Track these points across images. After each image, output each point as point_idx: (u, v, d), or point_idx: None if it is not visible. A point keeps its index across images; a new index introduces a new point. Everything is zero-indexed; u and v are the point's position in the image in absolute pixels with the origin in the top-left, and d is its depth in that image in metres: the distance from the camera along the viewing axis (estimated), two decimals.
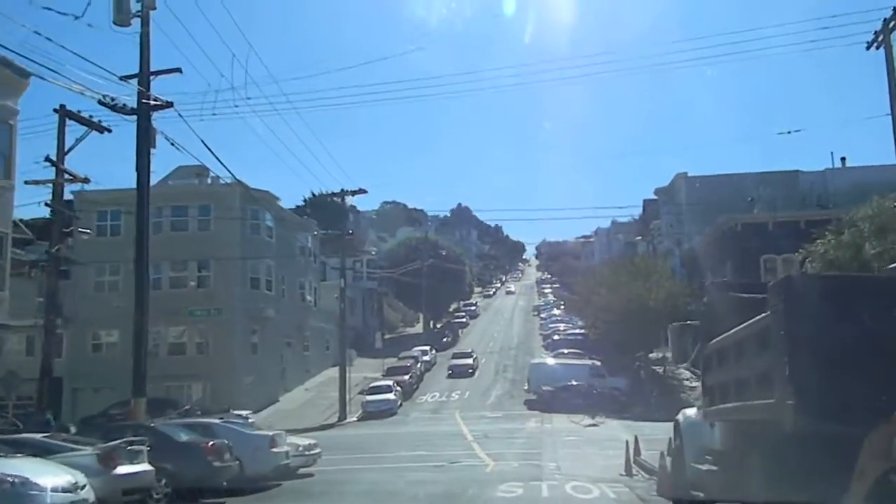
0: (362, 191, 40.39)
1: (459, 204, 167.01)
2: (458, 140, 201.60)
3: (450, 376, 49.16)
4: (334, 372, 49.17)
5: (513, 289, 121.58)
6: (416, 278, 69.36)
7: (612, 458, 21.21)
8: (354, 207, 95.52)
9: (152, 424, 15.66)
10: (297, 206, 70.35)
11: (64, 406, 39.22)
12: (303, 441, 18.94)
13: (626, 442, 18.26)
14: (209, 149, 24.22)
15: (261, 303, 42.04)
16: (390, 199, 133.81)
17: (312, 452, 18.50)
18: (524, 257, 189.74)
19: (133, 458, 11.87)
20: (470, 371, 50.08)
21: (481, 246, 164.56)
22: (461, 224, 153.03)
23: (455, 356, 54.18)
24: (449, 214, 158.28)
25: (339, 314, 41.65)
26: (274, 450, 16.34)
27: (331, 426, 36.67)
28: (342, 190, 40.28)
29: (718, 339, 8.77)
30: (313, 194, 71.71)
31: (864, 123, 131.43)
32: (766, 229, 38.23)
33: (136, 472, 11.71)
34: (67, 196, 26.91)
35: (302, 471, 18.46)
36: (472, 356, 53.09)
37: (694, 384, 44.57)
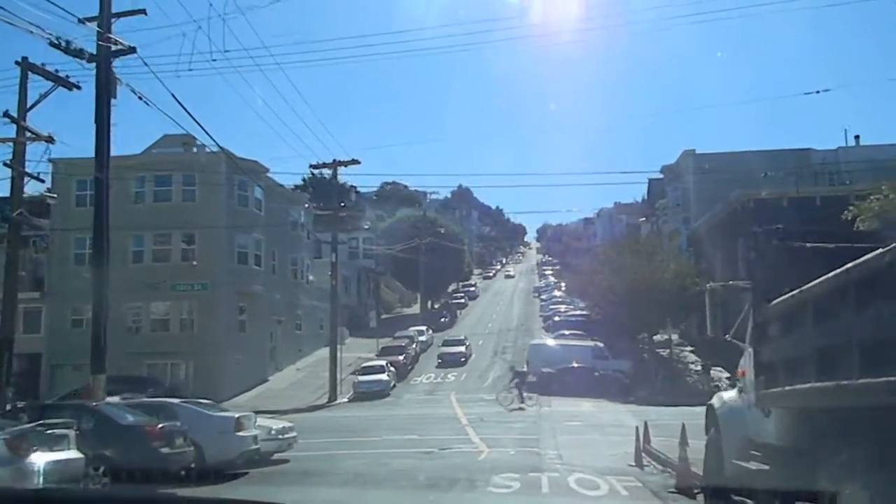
0: (355, 161, 38.39)
1: (460, 185, 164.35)
2: (459, 121, 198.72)
3: (440, 365, 45.22)
4: (328, 352, 47.52)
5: (512, 272, 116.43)
6: (413, 256, 67.49)
7: (618, 445, 19.46)
8: (354, 188, 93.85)
9: (95, 405, 13.78)
10: (296, 186, 67.90)
11: (42, 383, 37.62)
12: (276, 424, 17.11)
13: (637, 429, 16.42)
14: (179, 102, 22.37)
15: (249, 278, 40.17)
16: (390, 180, 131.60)
17: (287, 436, 16.68)
18: (525, 240, 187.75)
19: (54, 443, 10.05)
20: (462, 360, 46.02)
21: (481, 227, 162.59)
22: (462, 206, 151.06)
23: (446, 342, 49.78)
24: (450, 196, 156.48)
25: (330, 291, 39.67)
26: (240, 433, 14.53)
27: (320, 407, 34.95)
28: (335, 161, 38.25)
29: (785, 297, 6.81)
30: (312, 174, 69.35)
31: (878, 101, 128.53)
32: (780, 206, 36.18)
33: (58, 460, 9.87)
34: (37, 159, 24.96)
35: (277, 456, 16.69)
36: (464, 343, 48.95)
37: (700, 367, 42.88)
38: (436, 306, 75.82)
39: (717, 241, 43.19)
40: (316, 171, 39.16)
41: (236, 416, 14.92)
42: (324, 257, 64.82)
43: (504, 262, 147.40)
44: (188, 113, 20.61)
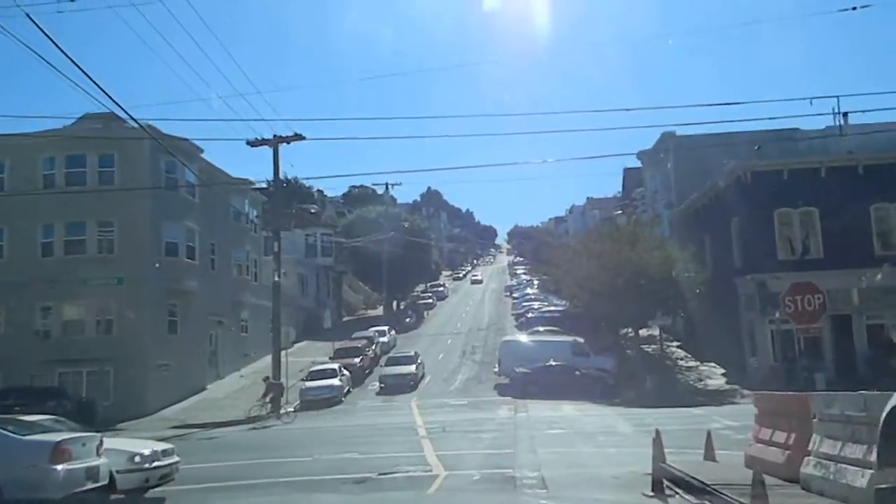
0: (299, 136, 33.42)
1: (429, 188, 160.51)
2: (430, 123, 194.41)
3: (381, 392, 35.05)
4: (285, 357, 42.63)
5: (479, 276, 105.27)
6: (378, 255, 62.68)
7: (614, 458, 15.03)
8: (321, 192, 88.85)
9: None
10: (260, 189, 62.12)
11: None
12: (146, 448, 12.26)
13: (656, 434, 11.95)
14: (59, 47, 17.22)
15: (179, 273, 35.10)
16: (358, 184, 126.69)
17: (160, 464, 11.91)
18: (496, 243, 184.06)
19: None
20: (411, 383, 35.31)
21: (451, 229, 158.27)
22: (431, 208, 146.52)
23: (390, 361, 38.36)
24: (419, 199, 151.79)
25: (273, 287, 34.70)
26: (62, 466, 9.70)
27: (259, 418, 29.98)
28: (274, 136, 33.35)
29: None
30: (280, 180, 63.75)
31: (867, 79, 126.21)
32: (781, 178, 32.18)
33: None
34: None
35: (152, 494, 11.94)
36: (414, 360, 37.53)
37: (690, 363, 38.76)
38: (402, 307, 71.10)
39: (705, 224, 39.11)
40: (254, 148, 33.87)
41: (56, 440, 10.03)
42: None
43: (475, 263, 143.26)
44: (77, 65, 15.60)
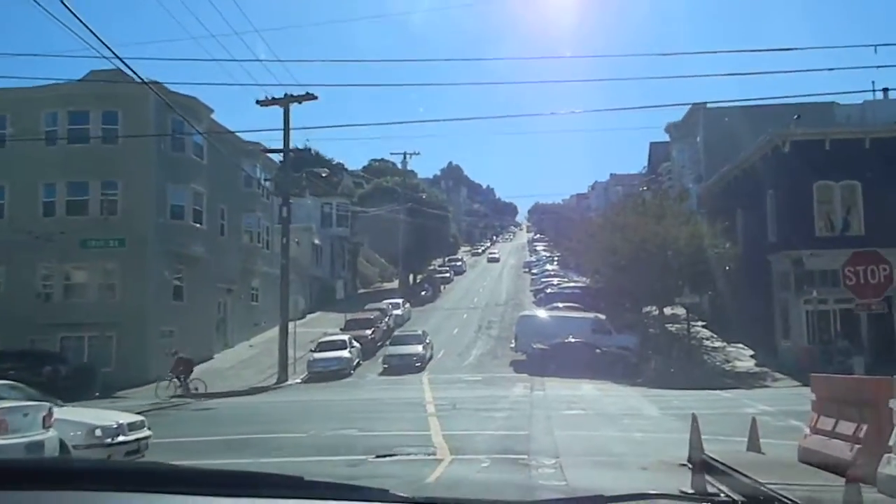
0: (311, 96, 31.87)
1: (450, 162, 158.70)
2: (452, 99, 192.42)
3: (385, 372, 32.27)
4: (291, 326, 41.40)
5: (497, 253, 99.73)
6: (394, 227, 61.16)
7: (641, 444, 13.46)
8: (341, 164, 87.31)
9: None
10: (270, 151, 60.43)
11: None
12: (107, 420, 10.85)
13: (693, 419, 10.33)
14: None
15: (186, 237, 33.78)
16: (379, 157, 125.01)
17: (124, 439, 10.51)
18: (516, 220, 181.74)
19: None
20: (417, 364, 32.35)
21: (471, 205, 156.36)
22: (451, 181, 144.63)
23: (395, 340, 35.69)
24: (439, 174, 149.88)
25: (281, 251, 33.30)
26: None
27: (263, 390, 28.77)
28: (286, 95, 31.80)
29: None
30: (297, 148, 61.75)
31: None
32: (822, 148, 30.08)
33: None
34: None
35: None
36: (422, 340, 34.72)
37: (717, 344, 36.97)
38: (418, 280, 69.68)
39: (737, 198, 37.04)
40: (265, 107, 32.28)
41: None
42: (291, 221, 58.76)
43: (494, 239, 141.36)
44: (74, 14, 14.34)
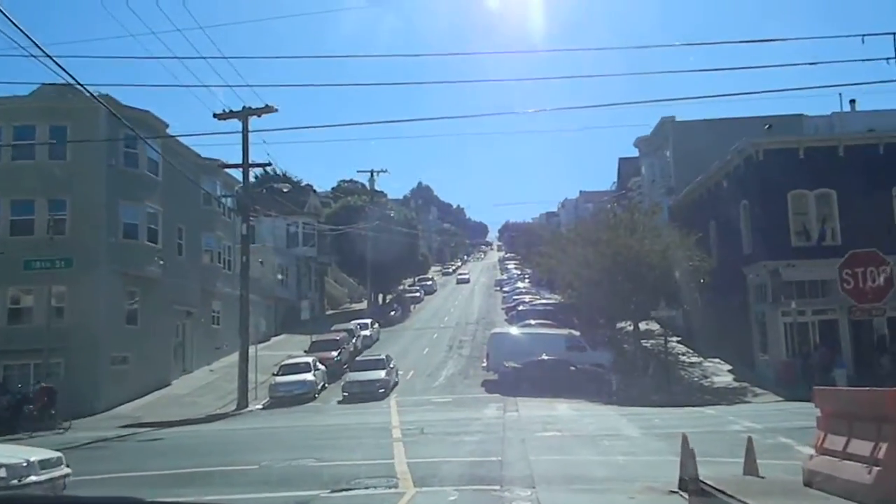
0: (270, 108, 30.56)
1: (420, 183, 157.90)
2: (421, 120, 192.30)
3: (344, 401, 29.22)
4: (253, 350, 39.70)
5: (467, 274, 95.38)
6: (363, 246, 59.69)
7: (624, 469, 12.28)
8: (311, 186, 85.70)
9: None
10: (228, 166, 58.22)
11: None
12: (14, 458, 9.37)
13: (684, 440, 9.21)
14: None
15: (140, 258, 32.14)
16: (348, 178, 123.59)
17: (34, 479, 9.06)
18: (487, 240, 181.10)
19: None
20: (381, 391, 29.61)
21: (441, 225, 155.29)
22: (420, 200, 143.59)
23: (355, 366, 32.72)
24: (409, 195, 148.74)
25: (241, 271, 31.77)
26: None
27: (221, 417, 27.17)
28: (244, 108, 30.46)
29: None
30: (265, 171, 59.93)
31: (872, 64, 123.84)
32: (796, 157, 29.50)
33: None
34: None
35: None
36: (385, 365, 31.71)
37: (693, 360, 36.09)
38: (387, 300, 68.22)
39: (710, 210, 36.42)
40: (222, 121, 30.92)
41: None
42: (255, 241, 57.01)
43: (465, 259, 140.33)
44: (13, 23, 13.02)
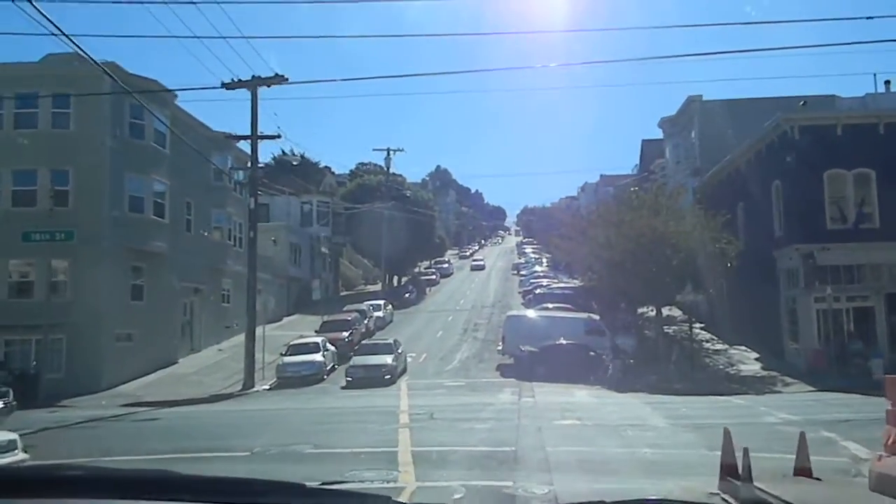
0: (281, 77, 29.36)
1: (438, 166, 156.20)
2: (440, 104, 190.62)
3: (348, 386, 27.30)
4: (266, 330, 38.62)
5: (482, 260, 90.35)
6: (378, 226, 58.50)
7: (652, 464, 11.03)
8: (329, 168, 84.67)
9: None
10: (269, 167, 56.85)
11: None
12: None
13: (726, 435, 7.85)
14: None
15: (146, 232, 31.14)
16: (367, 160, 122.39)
17: None
18: (505, 224, 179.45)
19: None
20: (387, 377, 27.63)
21: (459, 208, 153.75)
22: (438, 182, 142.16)
23: (361, 350, 30.73)
24: (427, 178, 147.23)
25: (248, 246, 30.71)
26: None
27: (226, 397, 26.18)
28: (253, 77, 29.25)
29: None
30: (283, 152, 58.46)
31: None
32: (833, 134, 27.84)
33: None
34: None
35: None
36: (393, 350, 29.73)
37: (718, 347, 34.64)
38: (403, 282, 67.14)
39: (739, 190, 34.79)
40: (231, 90, 29.84)
41: None
42: (269, 220, 56.01)
43: (483, 242, 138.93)
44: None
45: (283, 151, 58.52)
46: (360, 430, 15.15)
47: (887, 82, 48.92)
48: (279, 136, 31.62)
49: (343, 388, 27.09)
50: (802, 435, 9.18)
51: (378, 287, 64.85)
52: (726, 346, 33.74)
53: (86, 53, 19.92)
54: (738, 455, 9.30)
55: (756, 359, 30.87)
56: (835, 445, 12.91)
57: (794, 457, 11.26)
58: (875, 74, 68.15)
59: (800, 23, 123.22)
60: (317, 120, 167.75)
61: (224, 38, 54.66)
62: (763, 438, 13.08)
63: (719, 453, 11.95)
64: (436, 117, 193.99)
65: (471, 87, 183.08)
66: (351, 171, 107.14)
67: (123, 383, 29.21)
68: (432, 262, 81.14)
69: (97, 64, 21.43)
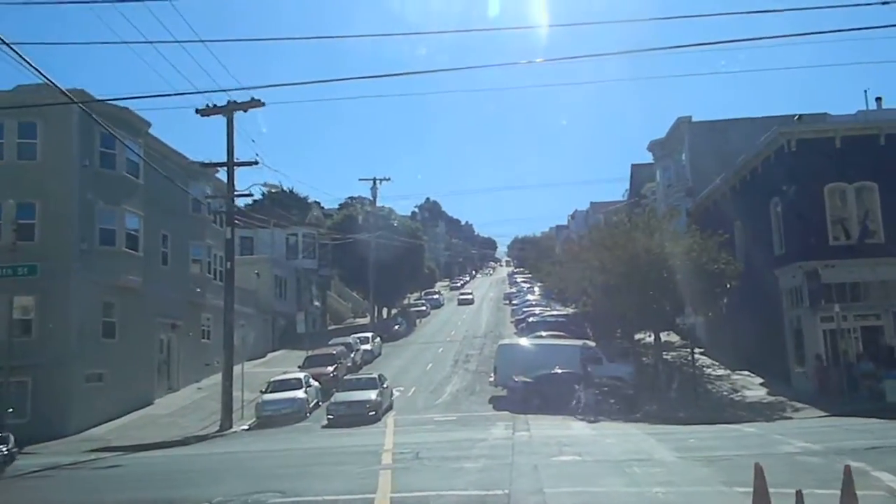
0: (257, 102, 28.13)
1: (428, 199, 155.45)
2: (431, 137, 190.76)
3: (329, 424, 25.63)
4: (249, 367, 37.01)
5: (470, 293, 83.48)
6: (366, 258, 57.07)
7: None
8: (318, 203, 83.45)
9: None
10: (256, 202, 55.60)
11: None
12: None
13: (757, 471, 6.51)
14: None
15: (119, 266, 29.64)
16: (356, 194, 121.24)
17: None
18: (496, 256, 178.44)
19: None
20: (370, 414, 25.86)
21: (449, 240, 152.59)
22: (427, 213, 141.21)
23: (343, 385, 29.20)
24: (416, 210, 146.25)
25: (225, 278, 29.23)
26: None
27: (201, 439, 24.53)
28: (229, 102, 28.07)
29: None
30: (272, 189, 56.59)
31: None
32: (832, 147, 26.80)
33: None
34: None
35: None
36: (377, 385, 27.85)
37: (720, 372, 33.20)
38: (392, 314, 65.58)
39: (735, 209, 33.71)
40: (205, 116, 28.62)
41: None
42: (253, 253, 54.57)
43: (474, 274, 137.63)
44: None
45: (272, 189, 57.07)
46: (337, 473, 13.63)
47: (879, 98, 48.15)
48: (256, 163, 30.17)
49: (324, 426, 25.43)
50: (847, 470, 7.82)
51: (367, 320, 63.24)
52: (728, 372, 32.33)
53: (50, 80, 18.67)
54: (744, 488, 7.94)
55: (761, 384, 29.45)
56: (867, 477, 11.50)
57: (826, 492, 9.86)
58: (866, 91, 67.72)
59: (789, 39, 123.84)
60: (305, 155, 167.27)
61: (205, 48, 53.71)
62: (787, 472, 11.67)
63: (739, 490, 10.51)
64: (427, 150, 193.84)
65: (460, 118, 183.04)
66: (340, 204, 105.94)
67: (94, 426, 27.51)
68: (422, 293, 79.75)
69: (63, 91, 20.16)
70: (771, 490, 7.93)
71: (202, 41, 60.10)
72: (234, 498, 11.44)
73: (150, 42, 38.09)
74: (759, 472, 7.41)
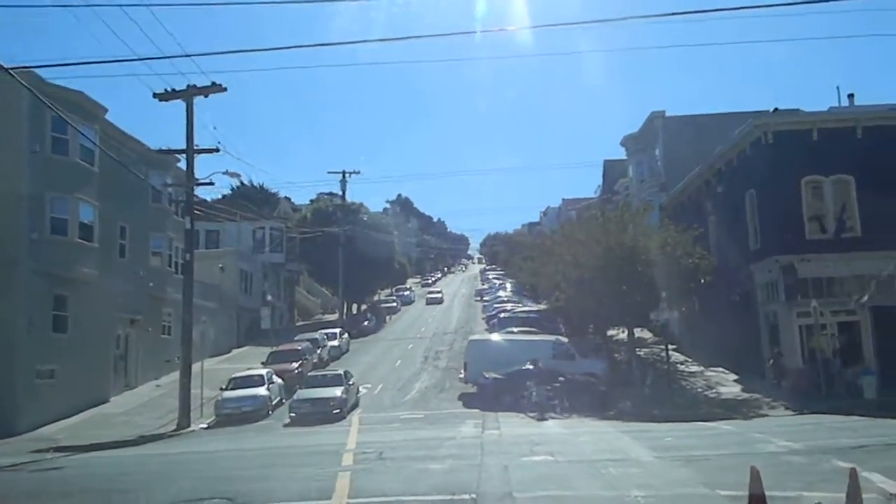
0: (218, 87, 26.99)
1: (399, 195, 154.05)
2: (401, 134, 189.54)
3: (291, 423, 24.63)
4: (212, 363, 35.84)
5: (439, 292, 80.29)
6: (335, 254, 55.95)
7: None
8: (288, 199, 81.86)
9: None
10: (224, 196, 54.23)
11: None
12: None
13: (753, 475, 5.67)
14: None
15: (71, 257, 28.22)
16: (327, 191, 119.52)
17: None
18: (468, 253, 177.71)
19: None
20: (335, 412, 24.87)
21: (421, 236, 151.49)
22: (398, 207, 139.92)
23: (307, 382, 27.99)
24: (388, 206, 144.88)
25: (184, 271, 28.00)
26: None
27: (156, 438, 23.31)
28: (189, 86, 26.85)
29: None
30: (241, 184, 54.81)
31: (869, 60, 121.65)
32: (809, 139, 26.31)
33: None
34: None
35: None
36: (342, 382, 26.88)
37: (693, 369, 32.70)
38: (362, 310, 64.45)
39: (710, 203, 33.22)
40: (164, 101, 27.37)
41: None
42: (219, 247, 53.11)
43: (446, 270, 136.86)
44: None
45: (241, 184, 55.54)
46: (292, 475, 12.64)
47: (851, 95, 48.11)
48: (217, 150, 28.91)
49: (286, 425, 24.36)
50: (854, 473, 7.06)
51: (336, 316, 62.05)
52: (702, 368, 31.86)
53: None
54: (730, 491, 7.16)
55: (735, 380, 28.96)
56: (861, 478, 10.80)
57: (817, 495, 9.09)
58: (838, 87, 67.91)
59: (765, 33, 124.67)
60: (277, 151, 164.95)
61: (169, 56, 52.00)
62: (772, 473, 10.87)
63: (723, 493, 9.65)
64: (398, 147, 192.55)
65: (432, 118, 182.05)
66: (311, 200, 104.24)
67: (45, 425, 26.11)
68: (393, 289, 78.70)
69: (8, 72, 18.87)
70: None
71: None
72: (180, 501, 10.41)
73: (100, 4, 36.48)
74: (755, 475, 6.60)
